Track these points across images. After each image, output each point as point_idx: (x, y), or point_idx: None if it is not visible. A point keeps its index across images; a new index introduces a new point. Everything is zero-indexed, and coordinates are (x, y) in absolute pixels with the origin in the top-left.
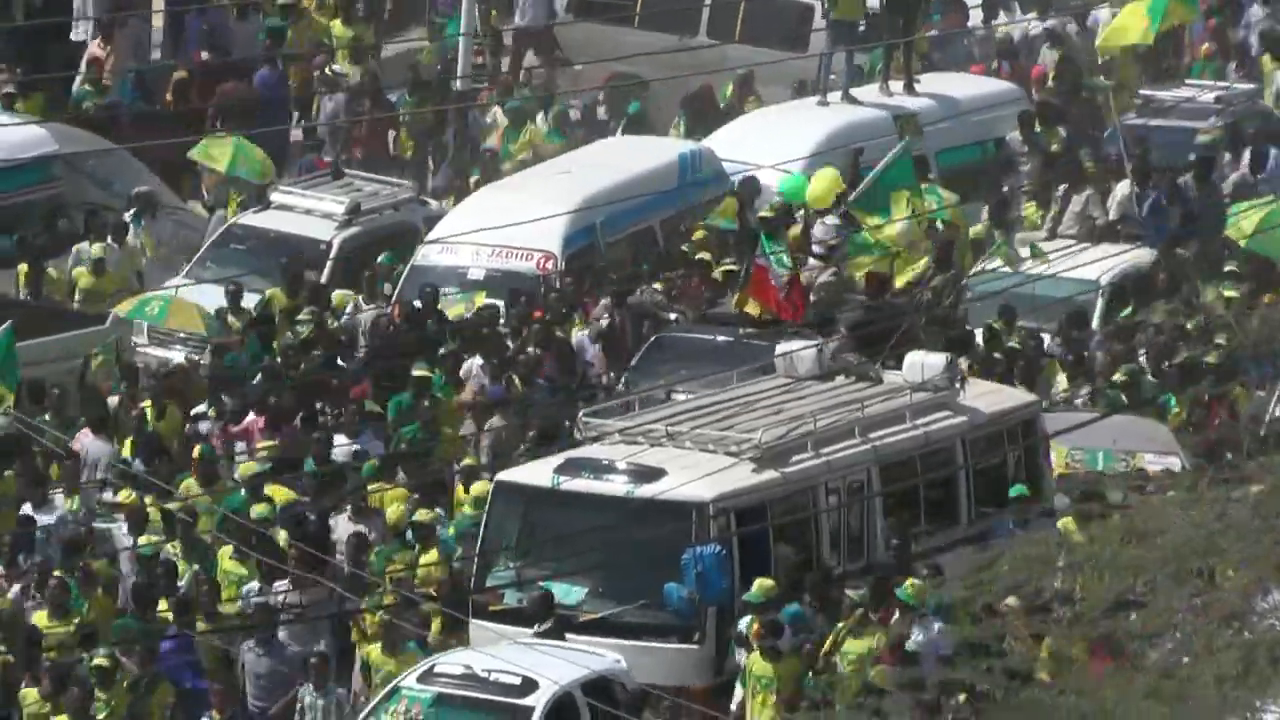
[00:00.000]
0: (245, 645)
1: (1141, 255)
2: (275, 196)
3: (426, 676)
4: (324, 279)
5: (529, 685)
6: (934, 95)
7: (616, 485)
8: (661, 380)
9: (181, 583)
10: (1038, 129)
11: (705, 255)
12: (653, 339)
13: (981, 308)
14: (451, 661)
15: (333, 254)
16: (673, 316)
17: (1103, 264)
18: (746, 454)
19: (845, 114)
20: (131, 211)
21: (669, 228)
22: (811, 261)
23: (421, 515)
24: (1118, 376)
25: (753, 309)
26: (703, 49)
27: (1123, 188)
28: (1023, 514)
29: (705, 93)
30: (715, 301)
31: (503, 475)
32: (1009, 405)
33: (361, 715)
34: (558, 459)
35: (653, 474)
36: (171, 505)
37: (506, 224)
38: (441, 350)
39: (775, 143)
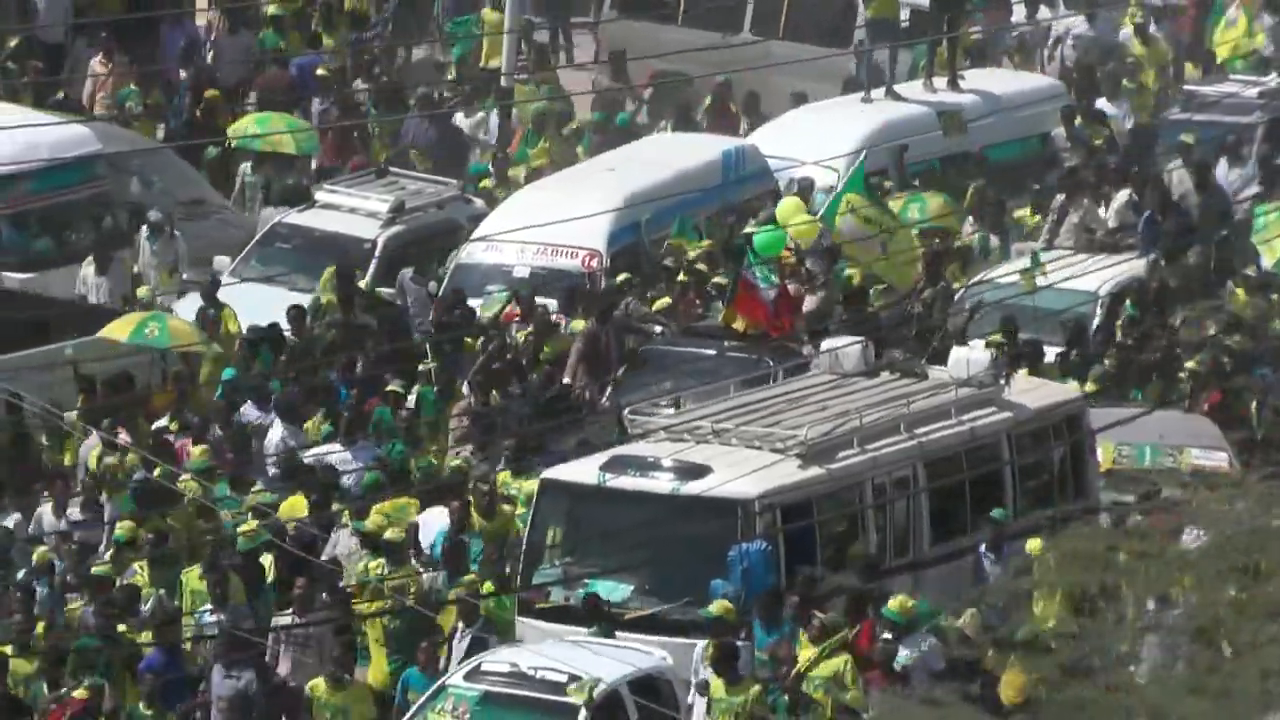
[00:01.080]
0: (215, 667)
1: (1140, 265)
2: (319, 195)
3: (474, 675)
4: (368, 278)
5: (575, 683)
6: (977, 91)
7: (662, 482)
8: (647, 391)
9: (145, 607)
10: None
11: (702, 267)
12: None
13: (982, 319)
14: (498, 659)
15: (377, 253)
16: (657, 330)
17: (1101, 274)
18: (792, 450)
19: (888, 110)
20: (146, 232)
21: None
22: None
23: (391, 534)
24: (1089, 386)
25: (739, 324)
26: (746, 46)
27: (1121, 196)
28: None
29: (722, 93)
30: (700, 315)
31: (548, 472)
32: (1054, 401)
33: (408, 715)
34: (603, 456)
35: (698, 471)
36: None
37: (551, 221)
38: (426, 366)
39: (819, 139)
